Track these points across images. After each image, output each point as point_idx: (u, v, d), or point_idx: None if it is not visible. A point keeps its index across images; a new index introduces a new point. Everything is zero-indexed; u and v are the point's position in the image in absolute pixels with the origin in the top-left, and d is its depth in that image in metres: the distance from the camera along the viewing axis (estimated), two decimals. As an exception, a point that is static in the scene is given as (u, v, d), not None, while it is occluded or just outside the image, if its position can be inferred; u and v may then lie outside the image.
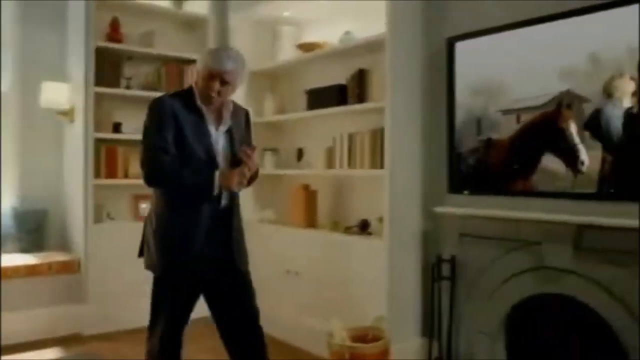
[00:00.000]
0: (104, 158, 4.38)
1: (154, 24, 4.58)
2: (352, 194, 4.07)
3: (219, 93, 2.43)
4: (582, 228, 2.68)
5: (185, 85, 4.58)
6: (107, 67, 4.34)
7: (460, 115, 3.33)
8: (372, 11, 3.60)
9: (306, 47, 4.13)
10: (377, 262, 3.39)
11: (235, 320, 2.58)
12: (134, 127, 4.50)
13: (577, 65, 2.80)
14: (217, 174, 2.37)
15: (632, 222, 2.48)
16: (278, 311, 4.10)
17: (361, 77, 3.71)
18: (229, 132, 2.52)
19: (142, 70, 4.54)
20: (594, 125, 2.74)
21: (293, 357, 3.77)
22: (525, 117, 3.05)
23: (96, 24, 4.23)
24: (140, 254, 2.61)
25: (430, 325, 3.40)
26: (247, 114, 2.72)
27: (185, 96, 2.48)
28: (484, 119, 3.23)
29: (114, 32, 4.41)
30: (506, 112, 3.14)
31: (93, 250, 4.22)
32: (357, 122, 3.83)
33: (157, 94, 4.36)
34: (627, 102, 2.64)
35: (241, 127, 2.62)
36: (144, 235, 2.59)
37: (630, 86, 2.78)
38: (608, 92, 2.70)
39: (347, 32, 3.89)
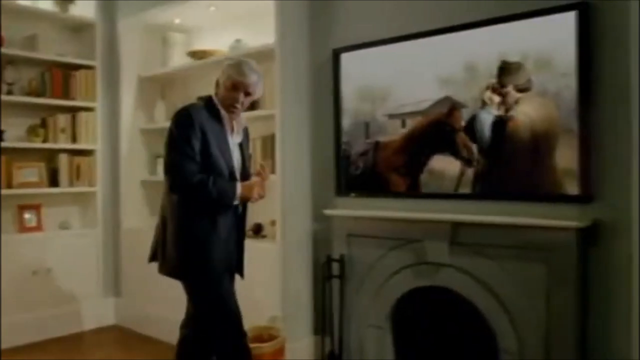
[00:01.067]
0: (-10, 166, 4.17)
1: (38, 27, 4.42)
2: (246, 198, 4.15)
3: (242, 104, 2.58)
4: (456, 225, 2.92)
5: (72, 91, 4.50)
6: (-14, 72, 4.15)
7: (349, 120, 3.51)
8: (262, 20, 3.71)
9: (197, 55, 4.17)
10: (271, 264, 3.51)
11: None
12: (17, 134, 4.35)
13: (454, 73, 3.06)
14: (238, 185, 2.54)
15: (495, 219, 2.78)
16: (174, 316, 4.10)
17: (252, 85, 3.81)
18: (240, 143, 2.69)
19: (25, 75, 4.37)
20: (471, 130, 3.00)
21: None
22: (410, 121, 3.26)
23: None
24: (153, 259, 2.71)
25: (322, 322, 3.54)
26: (246, 128, 2.80)
27: (209, 106, 2.57)
28: (372, 123, 3.42)
29: (-7, 35, 4.22)
30: (392, 116, 3.35)
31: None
32: (249, 128, 3.91)
33: (42, 100, 4.32)
34: (496, 110, 2.93)
35: (246, 140, 2.77)
36: (157, 242, 2.66)
37: (497, 96, 3.10)
38: (483, 100, 2.97)
39: (237, 40, 3.98)
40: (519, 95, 2.86)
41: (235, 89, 2.53)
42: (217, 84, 2.60)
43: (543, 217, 2.66)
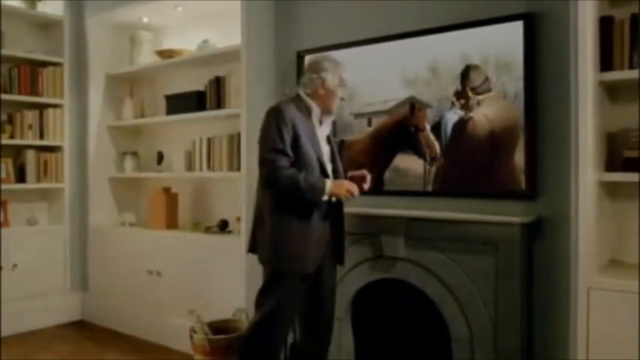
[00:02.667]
0: (-49, 162, 4.19)
1: (6, 23, 4.42)
2: (212, 195, 4.25)
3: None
4: (410, 221, 3.06)
5: (40, 88, 4.53)
6: (-48, 68, 4.16)
7: None
8: (228, 21, 3.80)
9: (164, 54, 4.24)
10: (236, 258, 3.60)
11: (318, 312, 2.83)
12: (-17, 130, 4.35)
13: (418, 74, 3.20)
14: (328, 182, 2.58)
15: (445, 215, 2.95)
16: (140, 311, 4.19)
17: (218, 84, 3.90)
18: (328, 136, 2.77)
19: (-8, 69, 4.39)
20: (437, 129, 3.14)
21: (158, 356, 3.88)
22: (375, 120, 3.39)
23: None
24: (252, 250, 2.83)
25: None
26: (334, 121, 2.98)
27: (298, 103, 2.66)
28: (339, 122, 3.50)
29: (-41, 31, 4.23)
30: (358, 115, 3.48)
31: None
32: (216, 127, 4.01)
33: (9, 97, 4.34)
34: (460, 111, 3.07)
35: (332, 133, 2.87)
36: (255, 234, 2.77)
37: (460, 97, 3.24)
38: (452, 101, 3.10)
39: (205, 41, 4.06)
40: (479, 97, 3.01)
41: (340, 89, 2.70)
42: (322, 84, 2.66)
43: (495, 213, 2.81)
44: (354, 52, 3.40)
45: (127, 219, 4.52)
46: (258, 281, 3.63)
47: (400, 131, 3.28)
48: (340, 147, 4.48)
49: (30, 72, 4.52)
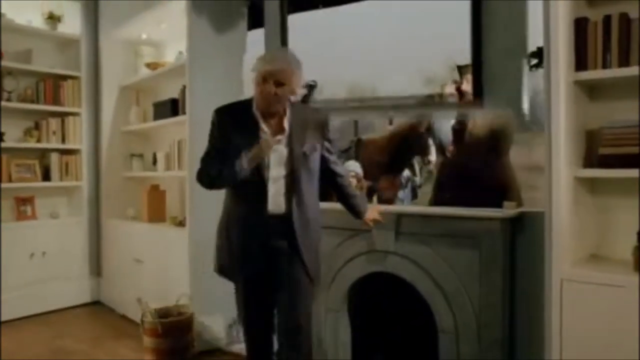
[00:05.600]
0: (-10, 163, 4.95)
1: (32, 42, 5.15)
2: (186, 193, 4.65)
3: (275, 95, 2.42)
4: (400, 217, 3.16)
5: (61, 98, 5.21)
6: (-13, 83, 4.93)
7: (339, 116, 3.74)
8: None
9: (151, 66, 4.72)
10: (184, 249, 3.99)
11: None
12: (15, 136, 5.11)
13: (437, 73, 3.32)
14: (243, 155, 2.41)
15: (430, 210, 3.13)
16: (126, 294, 4.72)
17: (184, 93, 4.30)
18: (292, 139, 2.52)
19: (21, 84, 5.12)
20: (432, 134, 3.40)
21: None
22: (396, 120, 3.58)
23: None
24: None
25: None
26: (322, 118, 2.70)
27: (244, 104, 2.54)
28: (361, 120, 3.69)
29: (-8, 51, 5.00)
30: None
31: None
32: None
33: (36, 106, 5.05)
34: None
35: (311, 134, 2.58)
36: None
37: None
38: None
39: (180, 52, 4.48)
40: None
41: (265, 80, 2.41)
42: (253, 81, 2.48)
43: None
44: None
45: (129, 213, 5.07)
46: (202, 270, 3.98)
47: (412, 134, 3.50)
48: (357, 145, 4.73)
49: (53, 85, 5.22)
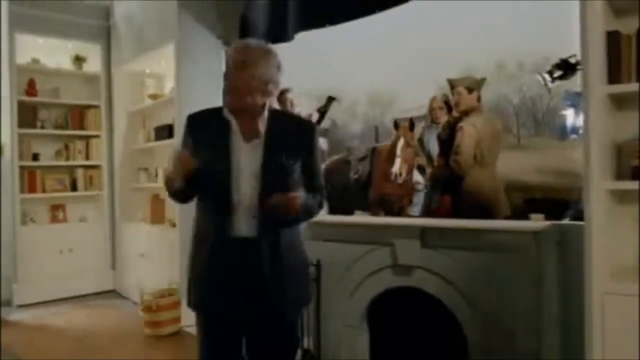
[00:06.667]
0: (27, 179, 6.18)
1: (61, 80, 6.37)
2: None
3: (239, 83, 2.12)
4: (425, 230, 3.06)
5: (86, 124, 6.41)
6: (26, 114, 6.14)
7: (360, 124, 4.32)
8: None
9: (152, 96, 5.85)
10: (174, 245, 5.08)
11: None
12: (48, 155, 6.33)
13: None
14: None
15: (458, 223, 3.07)
16: (132, 282, 5.86)
17: (174, 120, 5.38)
18: (266, 144, 2.19)
19: (53, 114, 6.35)
20: (422, 143, 4.00)
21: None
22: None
23: (17, 84, 6.06)
24: None
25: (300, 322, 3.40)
26: (307, 128, 2.35)
27: (216, 109, 2.27)
28: (381, 128, 4.15)
29: (30, 89, 6.20)
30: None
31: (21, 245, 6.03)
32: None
33: (65, 132, 6.25)
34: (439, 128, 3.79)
35: (292, 141, 2.22)
36: None
37: (444, 115, 3.97)
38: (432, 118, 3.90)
39: (172, 87, 5.57)
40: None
41: (230, 73, 2.14)
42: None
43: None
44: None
45: (137, 216, 6.22)
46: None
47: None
48: (372, 154, 5.50)
49: (79, 114, 6.43)
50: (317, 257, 3.45)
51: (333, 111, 4.94)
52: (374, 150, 5.38)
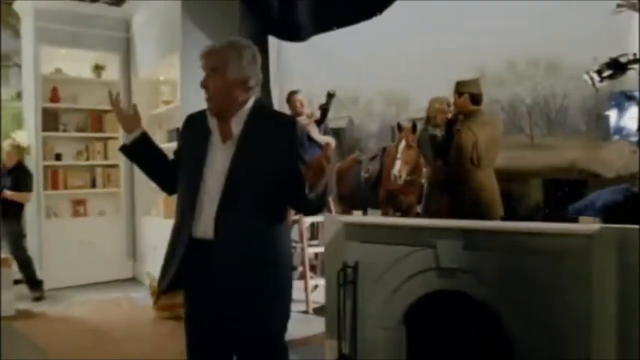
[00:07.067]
0: (50, 177, 6.80)
1: (82, 87, 6.99)
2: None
3: (203, 86, 2.16)
4: (467, 231, 2.92)
5: (104, 127, 7.02)
6: (49, 118, 6.76)
7: (376, 123, 4.76)
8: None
9: (166, 102, 6.44)
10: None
11: None
12: (70, 155, 6.94)
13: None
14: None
15: (506, 225, 2.99)
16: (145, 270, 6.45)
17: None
18: (238, 145, 2.16)
19: (74, 118, 6.96)
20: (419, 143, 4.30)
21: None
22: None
23: (42, 92, 6.68)
24: None
25: (337, 325, 3.42)
26: (288, 124, 2.26)
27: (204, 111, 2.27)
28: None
29: (54, 96, 6.82)
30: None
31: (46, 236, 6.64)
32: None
33: (85, 134, 6.85)
34: (440, 131, 3.98)
35: (269, 142, 2.17)
36: None
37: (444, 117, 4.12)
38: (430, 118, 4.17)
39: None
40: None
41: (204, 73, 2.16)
42: None
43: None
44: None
45: (153, 212, 6.82)
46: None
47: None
48: (382, 154, 5.91)
49: (98, 118, 7.04)
50: (354, 259, 3.31)
51: (350, 111, 5.19)
52: (384, 150, 5.82)
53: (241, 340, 2.20)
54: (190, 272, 2.16)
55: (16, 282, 5.83)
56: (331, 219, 3.62)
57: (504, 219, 3.69)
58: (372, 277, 3.25)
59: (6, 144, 6.26)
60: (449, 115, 4.32)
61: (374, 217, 3.51)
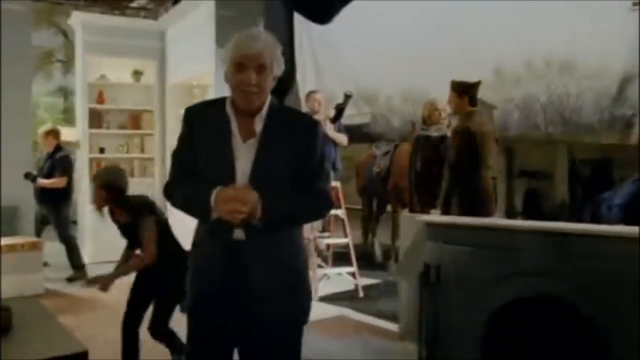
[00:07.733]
0: (95, 167, 7.75)
1: (124, 91, 8.00)
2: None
3: (257, 85, 1.96)
4: (555, 235, 2.79)
5: (141, 125, 8.00)
6: (95, 118, 7.76)
7: (396, 119, 5.12)
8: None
9: (196, 103, 7.40)
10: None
11: None
12: (113, 149, 7.93)
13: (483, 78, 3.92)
14: (213, 195, 1.90)
15: (607, 229, 2.96)
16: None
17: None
18: (261, 144, 2.02)
19: (116, 117, 7.96)
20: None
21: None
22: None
23: (89, 95, 7.69)
24: None
25: (418, 329, 3.31)
26: (308, 126, 2.11)
27: (217, 102, 2.11)
28: (417, 122, 4.64)
29: (99, 98, 7.81)
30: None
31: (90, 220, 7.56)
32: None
33: (125, 131, 7.84)
34: (436, 132, 4.50)
35: (290, 141, 2.04)
36: None
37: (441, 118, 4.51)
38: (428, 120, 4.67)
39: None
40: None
41: (242, 67, 1.95)
42: (225, 74, 2.02)
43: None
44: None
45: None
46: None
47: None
48: (394, 150, 6.46)
49: (136, 116, 8.03)
50: (436, 261, 3.17)
51: (373, 107, 5.55)
52: (396, 147, 6.48)
53: (264, 329, 2.06)
54: (225, 273, 2.05)
55: (45, 264, 6.07)
56: (410, 218, 3.60)
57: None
58: (455, 281, 3.12)
59: (41, 130, 6.54)
60: (443, 114, 4.83)
61: (455, 218, 3.46)
